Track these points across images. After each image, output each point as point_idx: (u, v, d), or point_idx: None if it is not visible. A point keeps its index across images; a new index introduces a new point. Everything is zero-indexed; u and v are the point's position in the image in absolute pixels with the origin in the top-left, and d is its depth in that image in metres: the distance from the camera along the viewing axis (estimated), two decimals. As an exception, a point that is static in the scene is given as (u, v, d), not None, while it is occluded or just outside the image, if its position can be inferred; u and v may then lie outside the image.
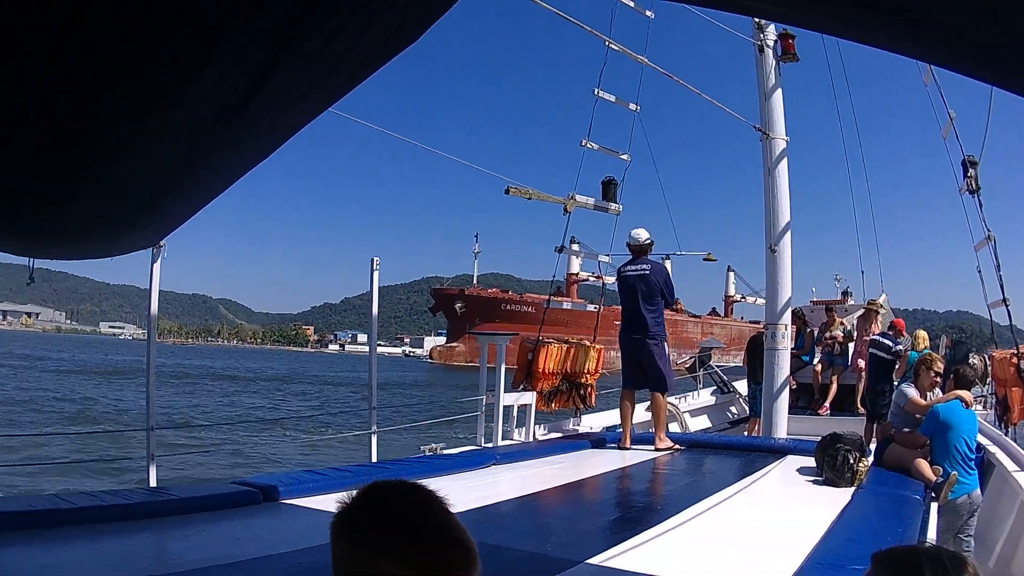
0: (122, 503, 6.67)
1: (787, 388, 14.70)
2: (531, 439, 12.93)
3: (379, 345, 12.63)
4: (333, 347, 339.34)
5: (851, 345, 18.66)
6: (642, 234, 12.83)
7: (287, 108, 3.25)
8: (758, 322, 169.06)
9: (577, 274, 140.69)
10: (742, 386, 19.56)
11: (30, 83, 2.46)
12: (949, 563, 2.09)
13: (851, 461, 9.12)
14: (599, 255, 15.96)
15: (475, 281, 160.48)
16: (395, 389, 64.14)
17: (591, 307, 25.07)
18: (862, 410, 17.15)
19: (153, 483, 8.14)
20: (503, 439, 12.35)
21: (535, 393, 13.21)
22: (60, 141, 3.03)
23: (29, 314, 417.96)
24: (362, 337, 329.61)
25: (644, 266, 12.57)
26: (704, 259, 24.81)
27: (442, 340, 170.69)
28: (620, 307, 13.03)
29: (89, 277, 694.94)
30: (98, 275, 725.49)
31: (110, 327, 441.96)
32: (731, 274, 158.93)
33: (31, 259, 6.29)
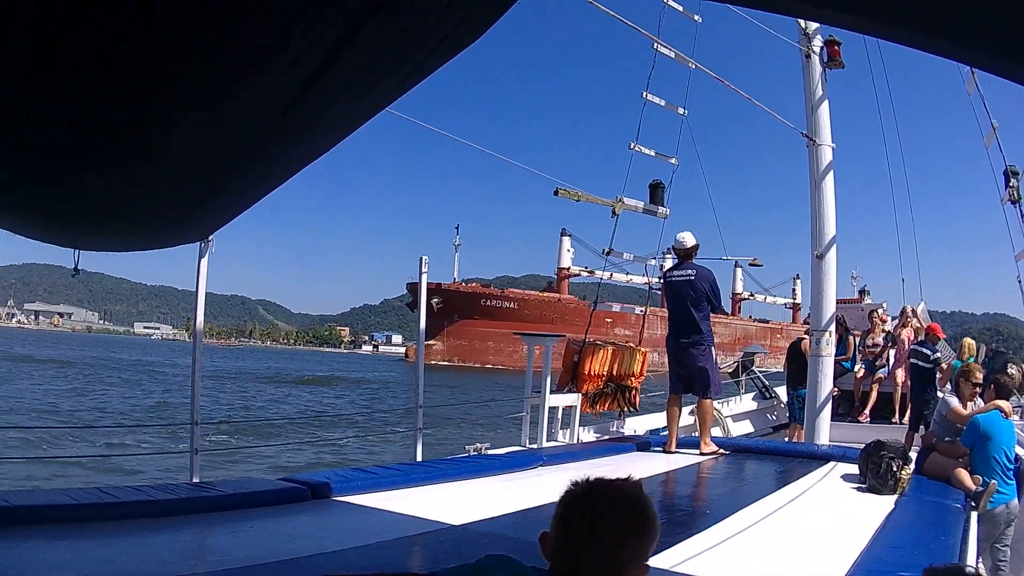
0: (168, 498, 6.70)
1: (831, 395, 14.70)
2: (576, 441, 12.96)
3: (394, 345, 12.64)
4: (367, 348, 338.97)
5: (891, 352, 18.54)
6: (688, 239, 12.85)
7: (355, 96, 3.25)
8: (767, 321, 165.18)
9: (568, 268, 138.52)
10: (782, 392, 19.43)
11: (112, 67, 2.48)
12: None
13: (894, 469, 9.13)
14: (647, 258, 15.88)
15: (455, 276, 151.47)
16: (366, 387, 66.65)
17: (639, 310, 24.65)
18: (895, 419, 17.30)
19: (196, 479, 8.16)
20: (547, 440, 12.36)
21: (580, 395, 13.25)
22: (134, 126, 3.06)
23: (61, 314, 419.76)
24: (396, 338, 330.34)
25: (690, 271, 12.57)
26: (750, 264, 24.63)
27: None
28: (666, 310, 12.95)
29: (125, 278, 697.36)
30: (135, 276, 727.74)
31: (144, 327, 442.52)
32: (738, 271, 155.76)
33: (76, 251, 6.30)
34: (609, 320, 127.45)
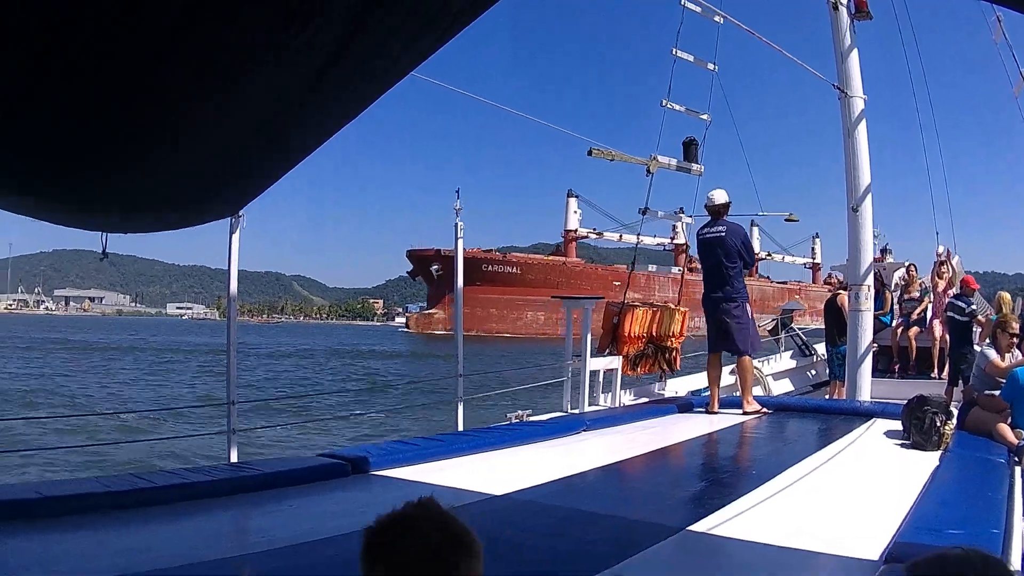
0: (205, 479, 6.67)
1: (871, 351, 14.66)
2: (618, 404, 12.99)
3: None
4: (399, 319, 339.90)
5: (929, 305, 18.42)
6: (719, 196, 12.81)
7: (383, 60, 3.15)
8: (784, 282, 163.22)
9: (575, 230, 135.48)
10: (822, 349, 19.37)
11: (130, 38, 2.41)
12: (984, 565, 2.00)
13: (938, 424, 9.13)
14: (681, 216, 15.67)
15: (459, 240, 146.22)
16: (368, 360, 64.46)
17: (675, 270, 24.67)
18: (934, 375, 17.32)
19: (234, 459, 8.10)
20: (589, 405, 12.38)
21: (621, 357, 13.20)
22: (155, 96, 2.99)
23: (92, 299, 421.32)
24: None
25: (721, 228, 12.56)
26: (786, 219, 24.36)
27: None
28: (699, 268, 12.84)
29: (158, 259, 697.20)
30: (168, 257, 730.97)
31: (177, 308, 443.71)
32: (755, 229, 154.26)
33: (104, 234, 6.23)
34: (618, 283, 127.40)
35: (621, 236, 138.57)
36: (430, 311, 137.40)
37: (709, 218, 12.88)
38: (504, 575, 4.79)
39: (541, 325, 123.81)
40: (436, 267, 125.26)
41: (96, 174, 4.27)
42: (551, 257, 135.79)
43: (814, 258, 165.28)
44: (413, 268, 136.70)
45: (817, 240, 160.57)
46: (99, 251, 6.07)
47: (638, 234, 19.22)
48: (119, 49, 2.50)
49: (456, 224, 11.00)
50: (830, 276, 18.95)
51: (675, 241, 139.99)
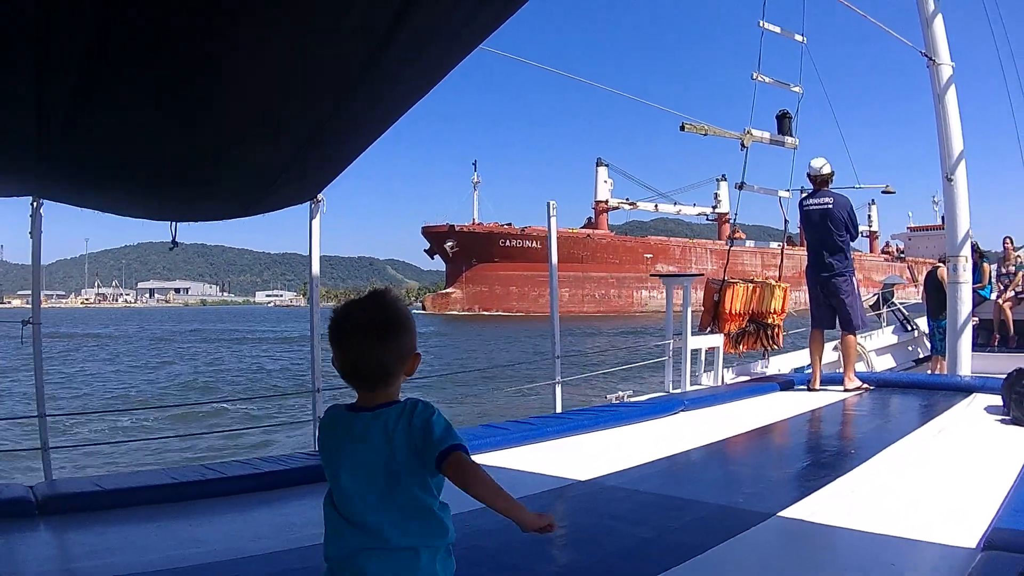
0: (277, 469, 6.73)
1: (970, 324, 14.39)
2: (719, 383, 12.95)
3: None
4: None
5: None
6: (821, 164, 12.57)
7: (447, 34, 3.10)
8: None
9: (607, 201, 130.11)
10: (923, 324, 19.14)
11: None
12: None
13: None
14: (778, 191, 15.41)
15: (475, 216, 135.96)
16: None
17: (775, 245, 24.22)
18: None
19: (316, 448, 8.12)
20: (691, 384, 12.37)
21: (723, 335, 13.17)
22: (218, 82, 2.99)
23: (177, 290, 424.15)
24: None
25: (827, 199, 12.33)
26: (883, 191, 23.84)
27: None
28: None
29: (248, 248, 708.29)
30: (258, 246, 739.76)
31: (267, 296, 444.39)
32: (787, 193, 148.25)
33: (173, 224, 6.24)
34: (649, 256, 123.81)
35: (656, 206, 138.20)
36: (447, 291, 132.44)
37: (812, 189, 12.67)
38: (578, 562, 4.70)
39: (565, 303, 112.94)
40: (451, 243, 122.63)
41: (172, 166, 4.27)
42: (575, 230, 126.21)
43: (871, 226, 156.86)
44: (430, 246, 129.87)
45: (873, 207, 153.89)
46: (185, 242, 6.10)
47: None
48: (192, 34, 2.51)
49: (549, 204, 11.00)
50: (887, 245, 18.65)
51: (717, 210, 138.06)
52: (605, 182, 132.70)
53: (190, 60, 2.79)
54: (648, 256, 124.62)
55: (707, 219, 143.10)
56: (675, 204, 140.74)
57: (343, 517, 2.50)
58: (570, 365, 17.95)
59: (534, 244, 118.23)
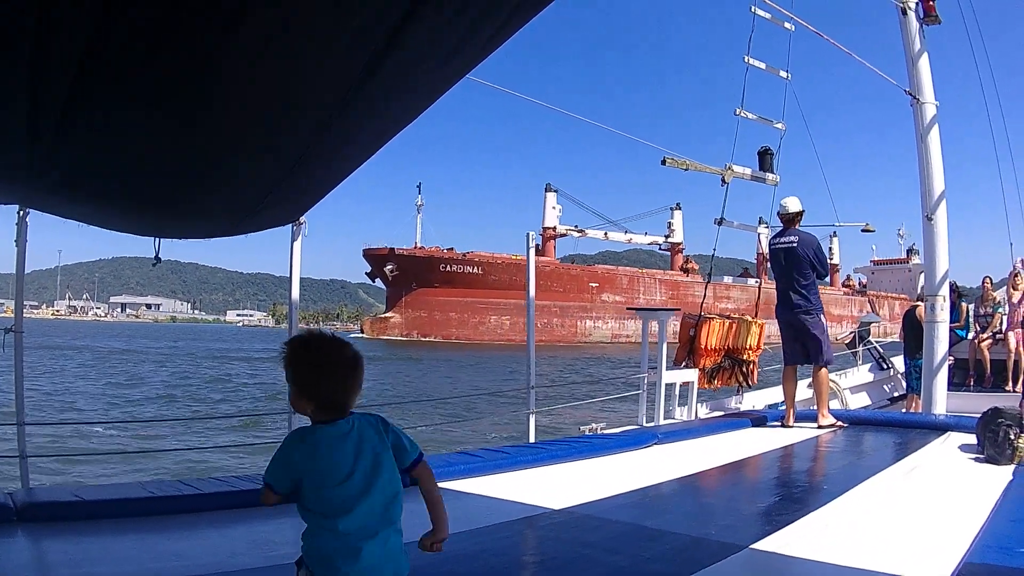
0: (254, 488, 6.56)
1: (946, 363, 14.50)
2: (693, 417, 12.95)
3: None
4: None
5: (1003, 319, 18.13)
6: (792, 203, 12.66)
7: (441, 55, 3.13)
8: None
9: (554, 228, 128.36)
10: (899, 362, 19.22)
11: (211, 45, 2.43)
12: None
13: (1011, 437, 9.03)
14: (757, 227, 15.50)
15: (418, 240, 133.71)
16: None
17: (752, 282, 24.27)
18: (1008, 387, 16.92)
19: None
20: (664, 418, 12.34)
21: (698, 370, 13.14)
22: (206, 100, 3.01)
23: (148, 305, 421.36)
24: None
25: (792, 238, 12.41)
26: (863, 230, 23.90)
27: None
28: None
29: (221, 267, 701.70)
30: (231, 265, 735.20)
31: (238, 315, 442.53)
32: (765, 229, 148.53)
33: (157, 239, 6.23)
34: (595, 285, 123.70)
35: (607, 234, 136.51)
36: (386, 315, 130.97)
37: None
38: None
39: (505, 331, 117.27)
40: (391, 267, 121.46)
41: (163, 180, 4.26)
42: (518, 256, 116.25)
43: (831, 258, 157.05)
44: (371, 269, 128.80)
45: (835, 239, 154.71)
46: (160, 258, 6.08)
47: (714, 241, 18.86)
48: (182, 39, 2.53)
49: (529, 234, 11.05)
50: (848, 279, 18.79)
51: (670, 240, 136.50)
52: (553, 208, 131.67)
53: (188, 64, 2.79)
54: (594, 285, 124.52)
55: (660, 248, 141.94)
56: (626, 232, 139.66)
57: (363, 509, 2.85)
58: (543, 396, 18.00)
59: (475, 270, 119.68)
